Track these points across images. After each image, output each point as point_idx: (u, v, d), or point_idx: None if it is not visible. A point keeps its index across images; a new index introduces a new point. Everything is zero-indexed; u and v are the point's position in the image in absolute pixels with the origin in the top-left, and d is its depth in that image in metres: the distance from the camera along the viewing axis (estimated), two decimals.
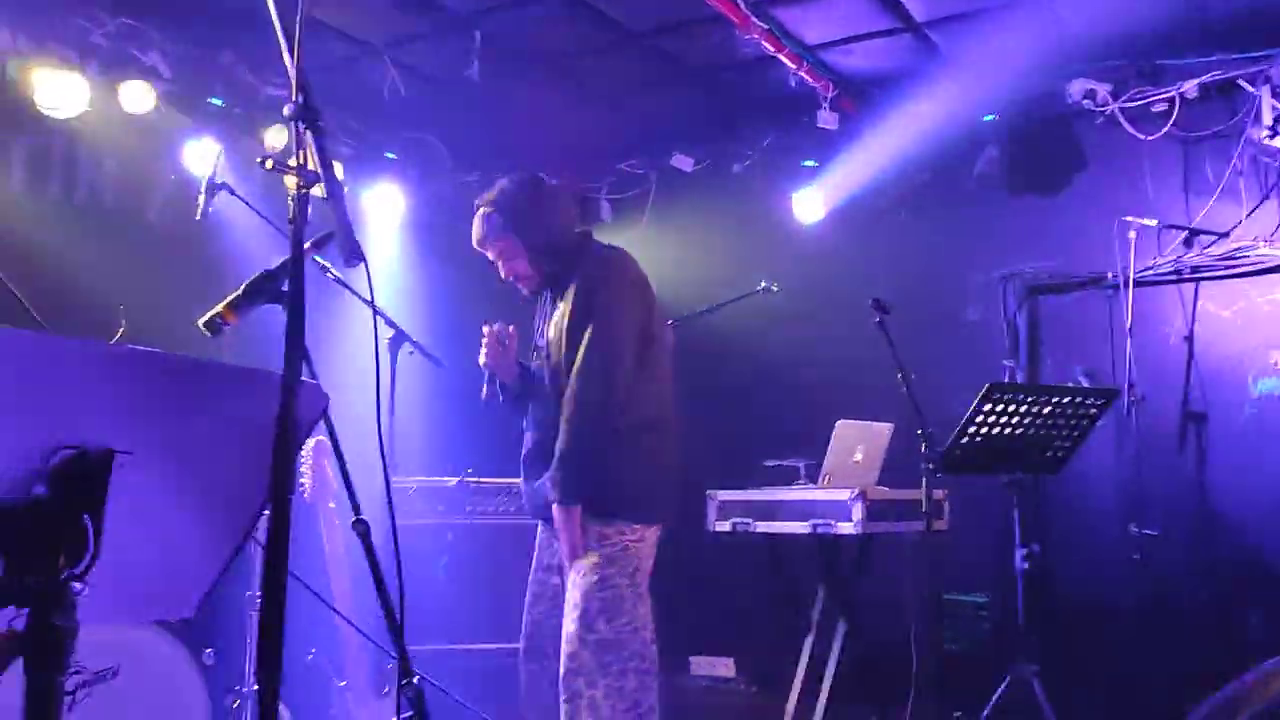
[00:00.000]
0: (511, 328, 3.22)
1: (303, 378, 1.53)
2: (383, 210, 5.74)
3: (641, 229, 6.09)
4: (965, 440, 3.58)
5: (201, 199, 3.74)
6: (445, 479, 4.66)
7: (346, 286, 3.43)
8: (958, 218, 5.29)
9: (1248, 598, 4.39)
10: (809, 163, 5.64)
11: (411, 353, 3.89)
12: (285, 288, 1.62)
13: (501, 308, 3.50)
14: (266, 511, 1.49)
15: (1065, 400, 3.65)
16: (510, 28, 4.78)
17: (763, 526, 4.19)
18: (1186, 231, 4.61)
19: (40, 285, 4.08)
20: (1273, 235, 4.45)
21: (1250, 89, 4.49)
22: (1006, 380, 4.95)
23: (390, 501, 2.07)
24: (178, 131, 4.76)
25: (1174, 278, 4.69)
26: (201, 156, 4.62)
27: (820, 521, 4.00)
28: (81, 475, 1.31)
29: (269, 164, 1.70)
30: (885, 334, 3.68)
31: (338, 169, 4.35)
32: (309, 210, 1.63)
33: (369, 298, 2.01)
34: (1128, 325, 4.58)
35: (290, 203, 1.61)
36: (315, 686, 3.87)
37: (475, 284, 4.70)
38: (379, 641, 3.75)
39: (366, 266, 1.74)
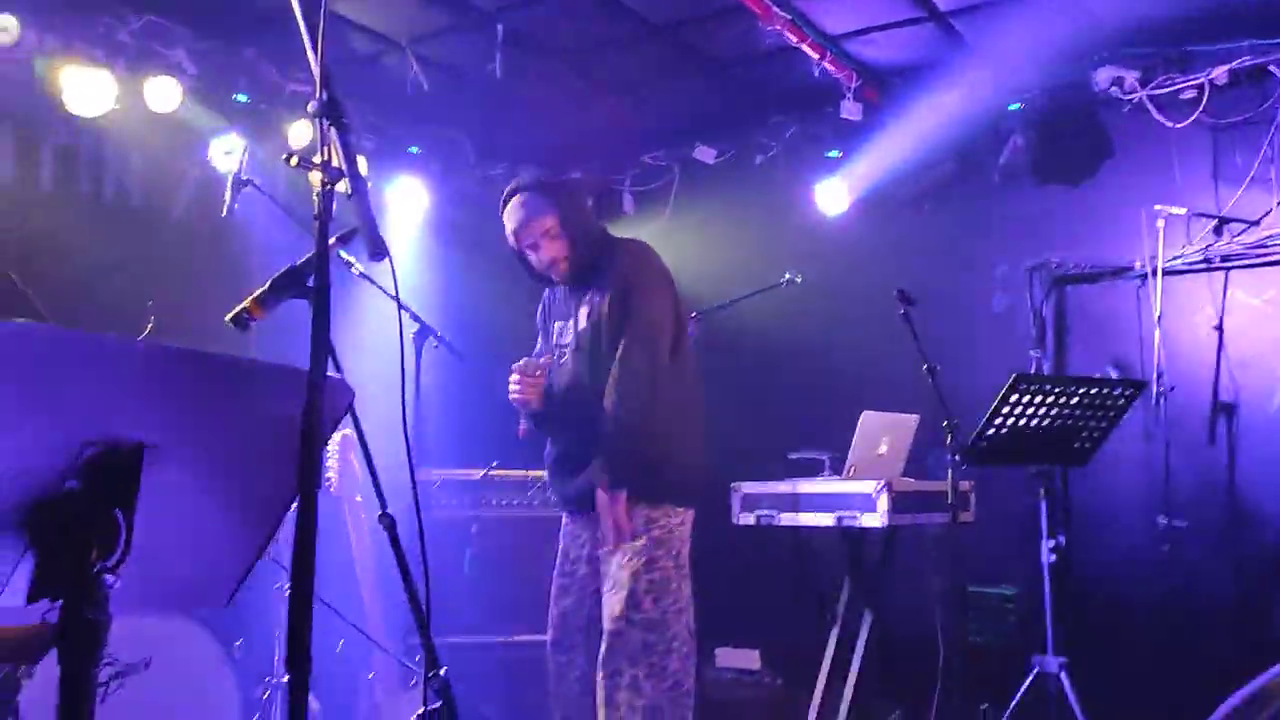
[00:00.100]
0: (544, 359, 3.25)
1: (329, 373, 1.54)
2: (405, 204, 5.76)
3: (664, 221, 6.09)
4: (991, 431, 3.56)
5: (228, 195, 3.77)
6: (470, 472, 4.69)
7: (371, 281, 3.45)
8: (983, 208, 5.25)
9: (1278, 590, 4.35)
10: (833, 153, 5.61)
11: (436, 346, 3.91)
12: (311, 283, 1.64)
13: (524, 300, 3.52)
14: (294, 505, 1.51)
15: (1093, 391, 3.62)
16: (532, 21, 4.78)
17: (787, 519, 4.18)
18: (1216, 219, 4.56)
19: (70, 282, 4.16)
20: None
21: None
22: (1033, 371, 4.91)
23: (416, 495, 2.09)
24: (204, 128, 4.79)
25: (1203, 266, 4.63)
26: (227, 153, 4.65)
27: (845, 514, 3.99)
28: (113, 470, 1.32)
29: (294, 161, 1.71)
30: (910, 325, 3.67)
31: (361, 164, 4.37)
32: (334, 206, 1.64)
33: (393, 292, 2.03)
34: (1156, 315, 4.54)
35: (315, 199, 1.62)
36: (344, 678, 3.90)
37: (498, 277, 4.72)
38: (395, 641, 3.79)
39: (391, 262, 1.75)
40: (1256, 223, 4.48)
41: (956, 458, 3.56)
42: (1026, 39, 4.58)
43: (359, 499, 3.92)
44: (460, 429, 4.72)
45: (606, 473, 3.05)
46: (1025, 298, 5.09)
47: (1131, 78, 4.71)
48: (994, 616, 4.80)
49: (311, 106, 1.66)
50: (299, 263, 1.75)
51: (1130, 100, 4.73)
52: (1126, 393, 3.67)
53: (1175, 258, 4.61)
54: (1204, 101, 4.54)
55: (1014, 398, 3.51)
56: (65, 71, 4.29)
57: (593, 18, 4.76)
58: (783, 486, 4.26)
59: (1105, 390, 3.65)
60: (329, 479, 3.86)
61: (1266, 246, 4.48)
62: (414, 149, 5.83)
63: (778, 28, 4.55)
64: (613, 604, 3.05)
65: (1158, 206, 4.52)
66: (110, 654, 3.15)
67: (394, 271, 1.89)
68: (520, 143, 5.86)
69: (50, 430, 1.29)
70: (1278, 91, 4.45)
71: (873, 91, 5.25)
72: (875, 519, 3.91)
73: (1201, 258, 4.61)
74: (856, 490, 3.96)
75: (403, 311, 2.11)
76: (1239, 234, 4.53)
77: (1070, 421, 3.65)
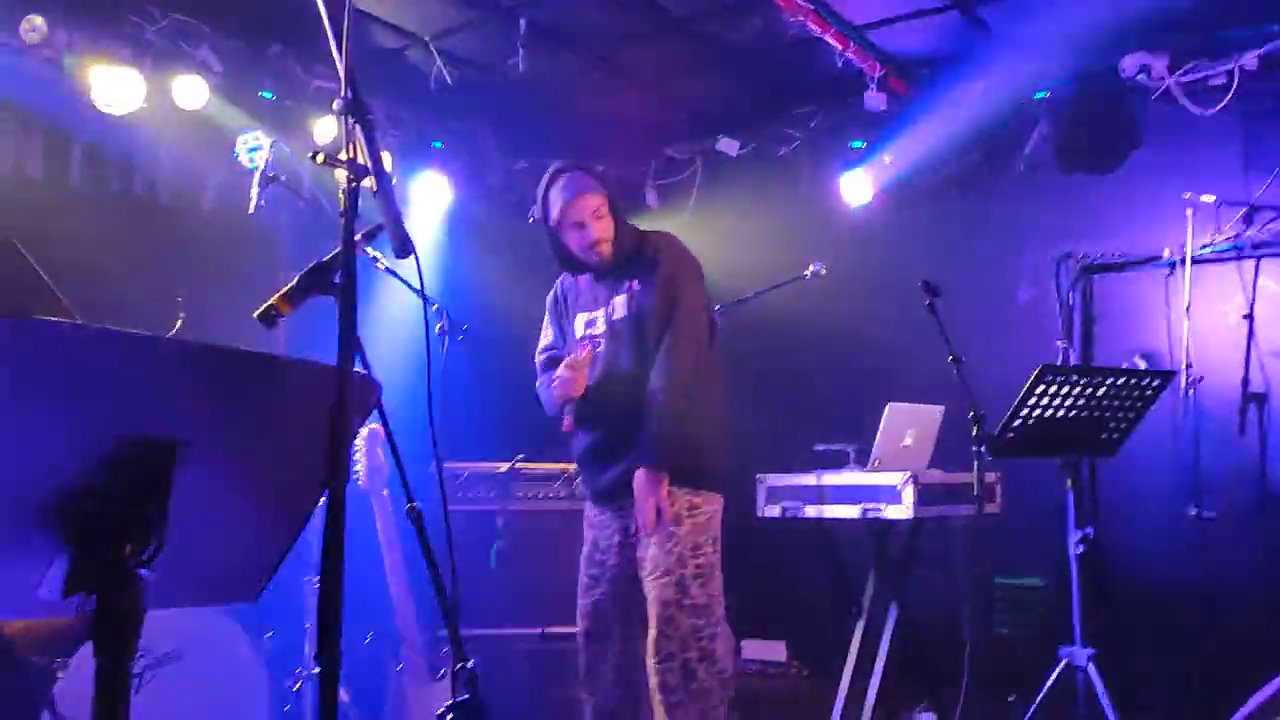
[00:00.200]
0: (584, 351, 3.26)
1: (355, 368, 1.56)
2: (430, 199, 5.78)
3: (687, 214, 6.08)
4: (1018, 422, 3.54)
5: (255, 192, 3.80)
6: (496, 465, 4.71)
7: (397, 277, 3.47)
8: (1009, 197, 5.20)
9: None
10: (857, 144, 5.58)
11: (460, 339, 3.93)
12: (337, 279, 1.65)
13: (547, 293, 3.53)
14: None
15: (1120, 381, 3.59)
16: (555, 16, 4.79)
17: (812, 511, 4.17)
18: (1246, 208, 4.51)
19: (100, 279, 4.21)
20: None
21: None
22: (1060, 362, 4.87)
23: (443, 488, 2.10)
24: (230, 126, 4.83)
25: (1233, 255, 4.58)
26: (253, 150, 4.68)
27: (871, 506, 3.98)
28: (146, 465, 1.34)
29: (320, 158, 1.73)
30: (935, 316, 3.64)
31: (386, 160, 4.39)
32: (359, 202, 1.66)
33: (419, 288, 2.04)
34: (1185, 304, 4.49)
35: (340, 196, 1.63)
36: (373, 670, 3.94)
37: (521, 271, 4.73)
38: (423, 633, 3.81)
39: (416, 258, 1.77)
40: None
41: (983, 449, 3.54)
42: (1052, 26, 4.53)
43: (386, 493, 3.95)
44: (486, 422, 4.74)
45: (653, 455, 3.07)
46: (1052, 288, 5.05)
47: (1160, 65, 4.66)
48: (1021, 608, 4.78)
49: (337, 104, 1.68)
50: (325, 259, 1.76)
51: (1158, 87, 4.68)
52: (1155, 383, 3.64)
53: (1204, 246, 4.56)
54: (1233, 88, 4.48)
55: (1040, 388, 3.49)
56: (94, 70, 4.34)
57: (615, 11, 4.76)
58: (808, 478, 4.26)
59: (1133, 380, 3.61)
60: (357, 473, 3.89)
61: None
62: (438, 144, 5.86)
63: (801, 18, 4.53)
64: (662, 590, 3.06)
65: (1187, 195, 4.48)
66: (142, 646, 3.19)
67: (419, 267, 1.91)
68: (543, 137, 5.86)
69: (83, 427, 1.31)
70: None
71: (897, 81, 5.22)
72: (901, 511, 3.90)
73: (1231, 246, 4.56)
74: (882, 482, 3.95)
75: (428, 306, 2.13)
76: (1269, 222, 4.47)
77: (1098, 412, 3.62)
